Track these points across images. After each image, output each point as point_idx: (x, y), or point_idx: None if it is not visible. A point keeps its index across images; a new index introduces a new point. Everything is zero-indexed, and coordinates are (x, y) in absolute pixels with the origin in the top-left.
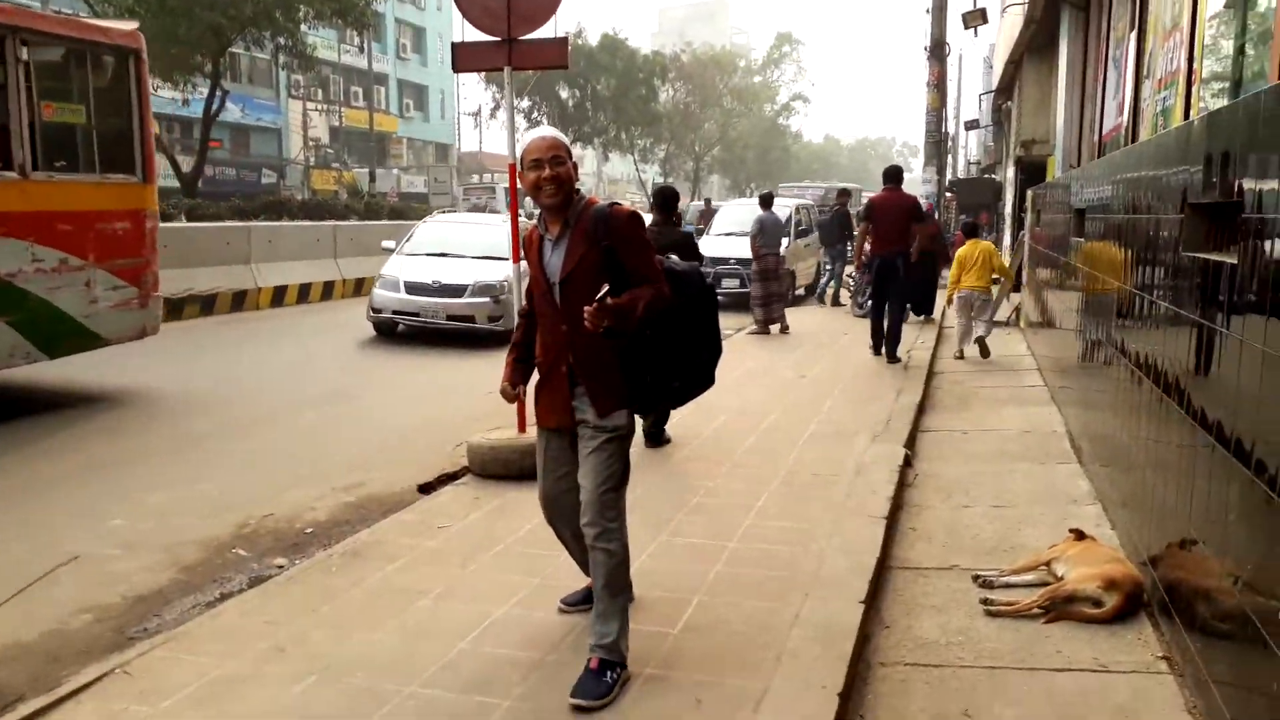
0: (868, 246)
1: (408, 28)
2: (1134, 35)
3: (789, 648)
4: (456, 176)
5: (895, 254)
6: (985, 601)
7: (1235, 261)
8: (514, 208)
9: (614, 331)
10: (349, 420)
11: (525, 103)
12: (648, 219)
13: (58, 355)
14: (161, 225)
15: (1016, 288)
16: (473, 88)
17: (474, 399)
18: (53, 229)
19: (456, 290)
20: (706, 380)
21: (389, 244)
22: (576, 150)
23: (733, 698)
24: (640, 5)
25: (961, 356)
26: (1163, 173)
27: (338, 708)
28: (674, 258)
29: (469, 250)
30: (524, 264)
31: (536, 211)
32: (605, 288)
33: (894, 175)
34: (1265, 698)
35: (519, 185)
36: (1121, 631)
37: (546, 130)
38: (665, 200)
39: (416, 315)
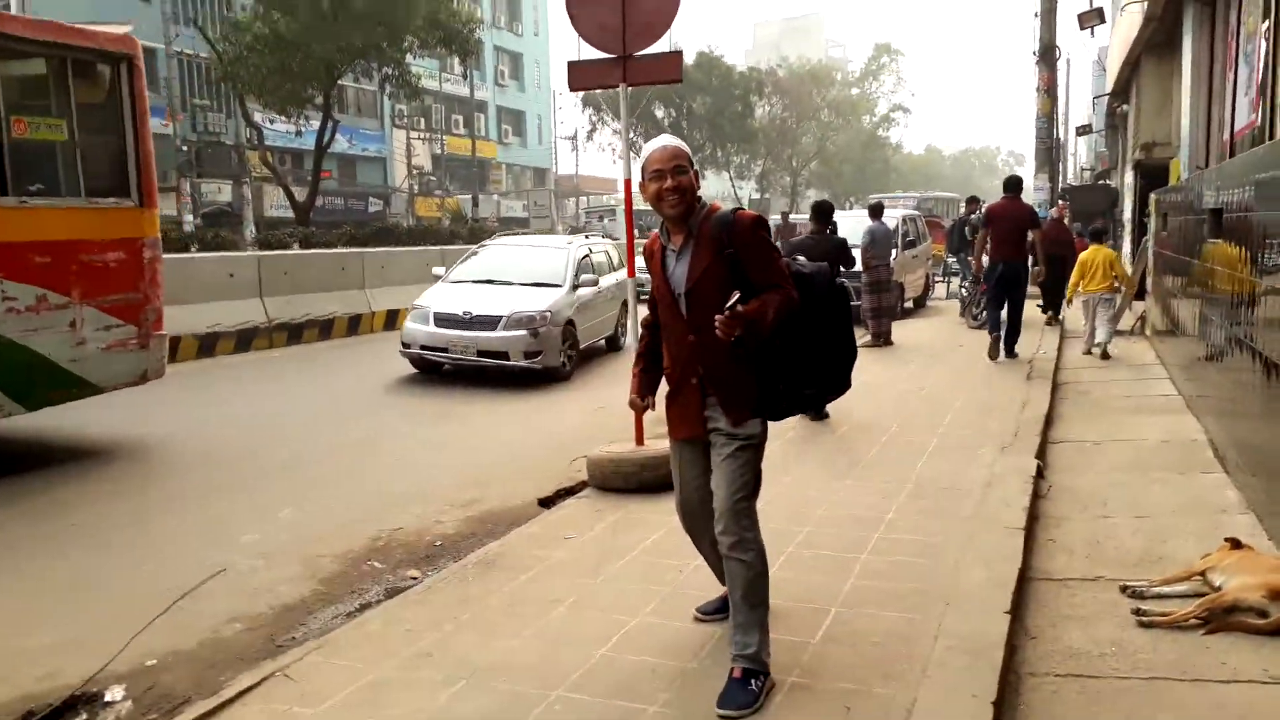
0: (985, 257)
1: (505, 54)
2: (1267, 28)
3: (935, 658)
4: (554, 200)
5: (1014, 260)
6: (1138, 612)
7: None
8: (629, 222)
9: (745, 340)
10: (458, 439)
11: (620, 124)
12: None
13: (36, 406)
14: (276, 253)
15: (1140, 296)
16: (570, 112)
17: (583, 415)
18: (26, 262)
19: (489, 323)
20: (842, 384)
21: (438, 270)
22: None
23: (882, 705)
24: (735, 23)
25: (1089, 353)
26: None
27: (487, 712)
28: (801, 259)
29: (521, 277)
30: (644, 276)
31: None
32: (736, 295)
33: (1014, 185)
34: None
35: (641, 197)
36: None
37: (668, 140)
38: (822, 211)
39: (445, 350)
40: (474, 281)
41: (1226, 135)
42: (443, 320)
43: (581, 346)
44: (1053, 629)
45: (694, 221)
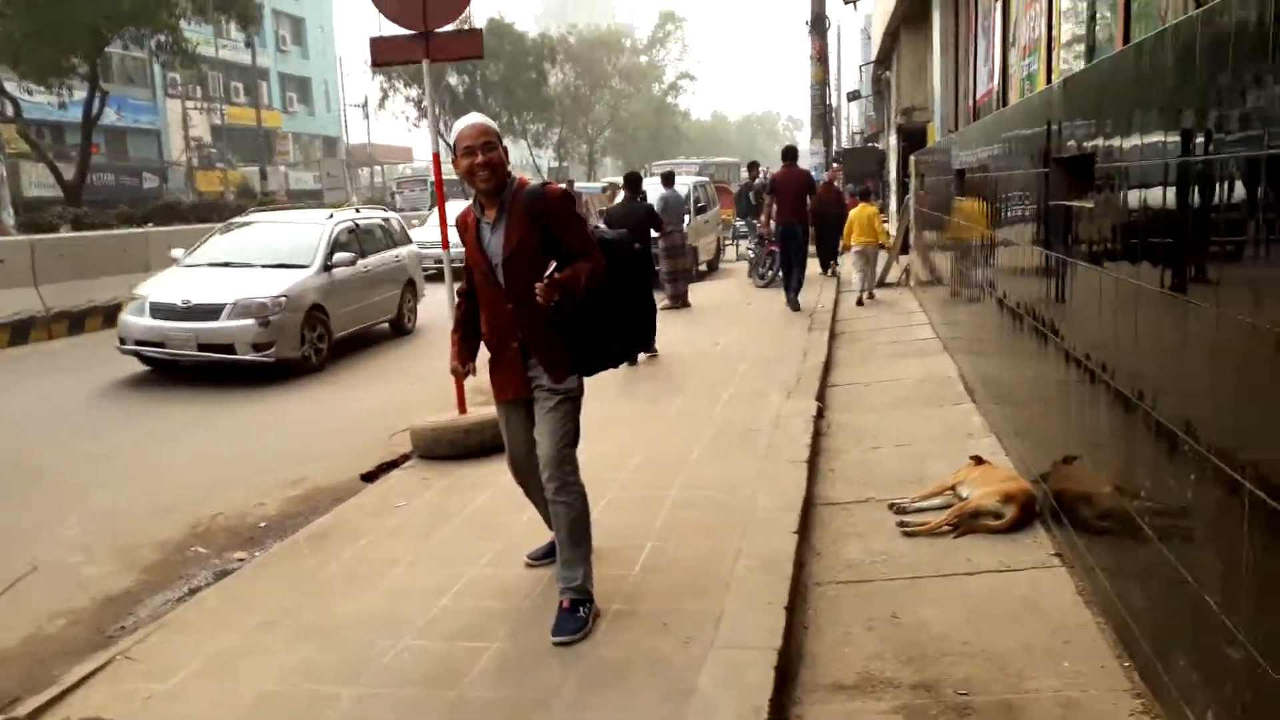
0: (772, 221)
1: (286, 19)
2: (1000, 4)
3: (736, 575)
4: (347, 170)
5: (796, 222)
6: (901, 525)
7: (1091, 206)
8: (440, 197)
9: (562, 304)
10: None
11: (414, 91)
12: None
13: None
14: (51, 236)
15: (905, 250)
16: (358, 78)
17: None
18: None
19: (210, 312)
20: (647, 341)
21: (177, 253)
22: None
23: (694, 618)
24: None
25: (861, 303)
26: (1028, 132)
27: (340, 663)
28: (602, 227)
29: (264, 258)
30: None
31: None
32: (553, 264)
33: (791, 154)
34: (1136, 577)
35: (454, 170)
36: (1020, 538)
37: (476, 118)
38: (633, 181)
39: (162, 345)
40: (210, 265)
41: (971, 101)
42: (159, 311)
43: (344, 333)
44: (833, 545)
45: (506, 195)
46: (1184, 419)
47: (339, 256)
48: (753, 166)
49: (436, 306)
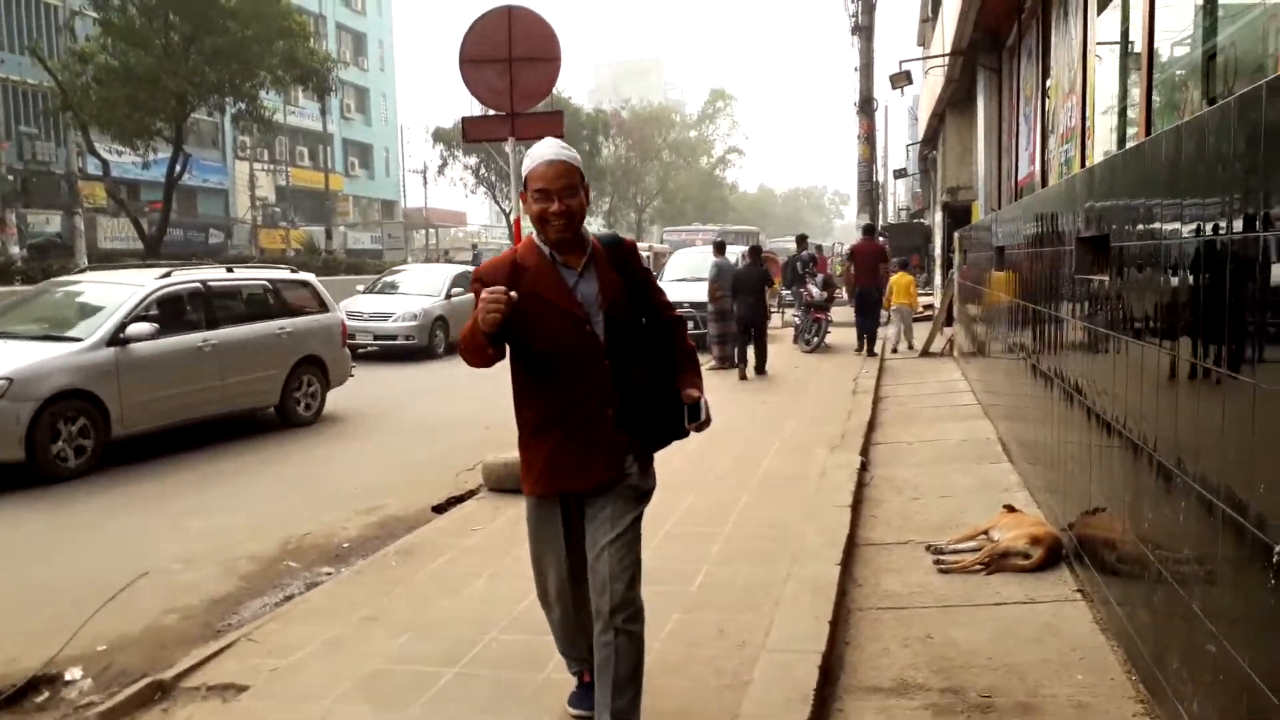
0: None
1: (351, 88)
2: (1040, 95)
3: (785, 596)
4: (405, 232)
5: (871, 286)
6: (937, 562)
7: (1107, 279)
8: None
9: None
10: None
11: (473, 159)
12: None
13: None
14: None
15: (949, 322)
16: (418, 145)
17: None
18: None
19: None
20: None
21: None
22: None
23: (747, 627)
24: (577, 63)
25: (895, 351)
26: (1058, 212)
27: (437, 650)
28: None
29: (48, 327)
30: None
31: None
32: (696, 394)
33: (870, 230)
34: (1147, 607)
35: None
36: (1046, 577)
37: (558, 151)
38: (755, 250)
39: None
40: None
41: (1014, 183)
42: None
43: (153, 426)
44: (874, 578)
45: (587, 241)
46: (1187, 471)
47: (135, 329)
48: (801, 240)
49: (365, 392)
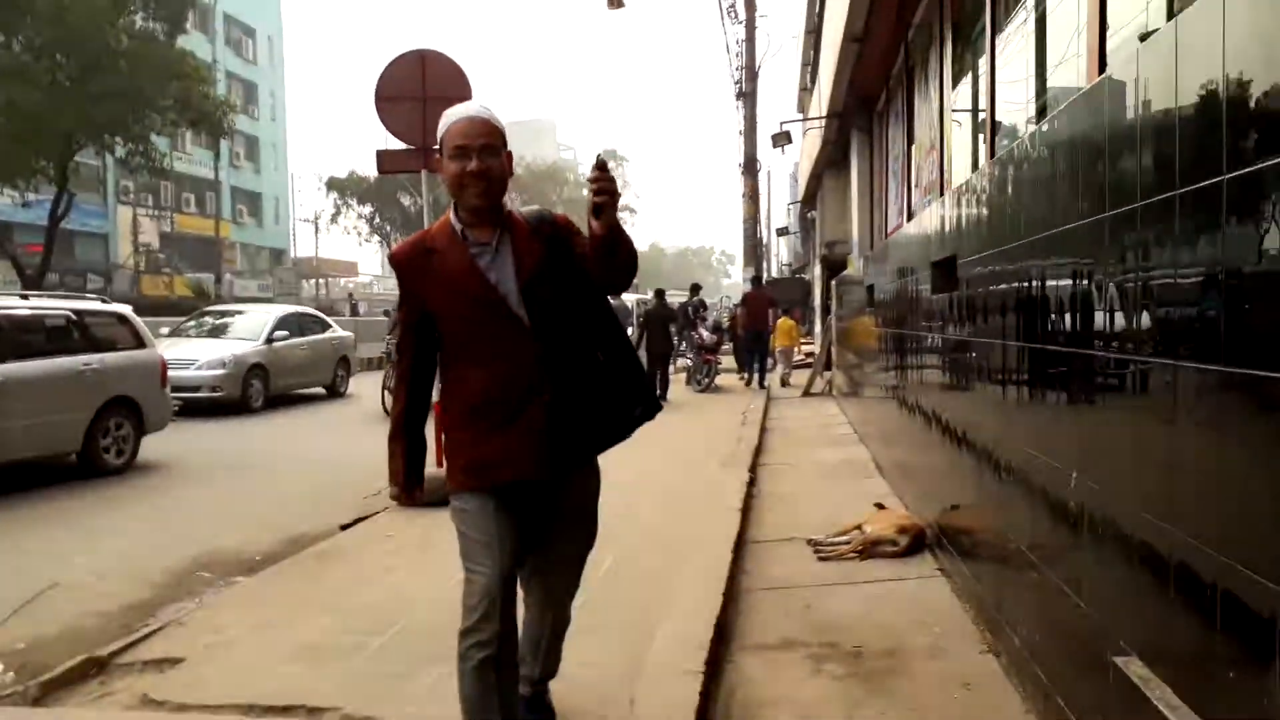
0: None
1: (241, 136)
2: (904, 153)
3: (684, 577)
4: (297, 279)
5: (760, 329)
6: (817, 552)
7: (953, 295)
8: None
9: (614, 246)
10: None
11: (367, 209)
12: None
13: None
14: None
15: (828, 366)
16: (309, 194)
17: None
18: None
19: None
20: (655, 401)
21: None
22: None
23: (651, 601)
24: None
25: (784, 384)
26: (917, 247)
27: (364, 625)
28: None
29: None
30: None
31: None
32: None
33: (757, 281)
34: (993, 578)
35: (440, 176)
36: (911, 561)
37: (476, 109)
38: (661, 292)
39: None
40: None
41: (884, 235)
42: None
43: None
44: (761, 568)
45: (502, 215)
46: (1011, 464)
47: None
48: (694, 288)
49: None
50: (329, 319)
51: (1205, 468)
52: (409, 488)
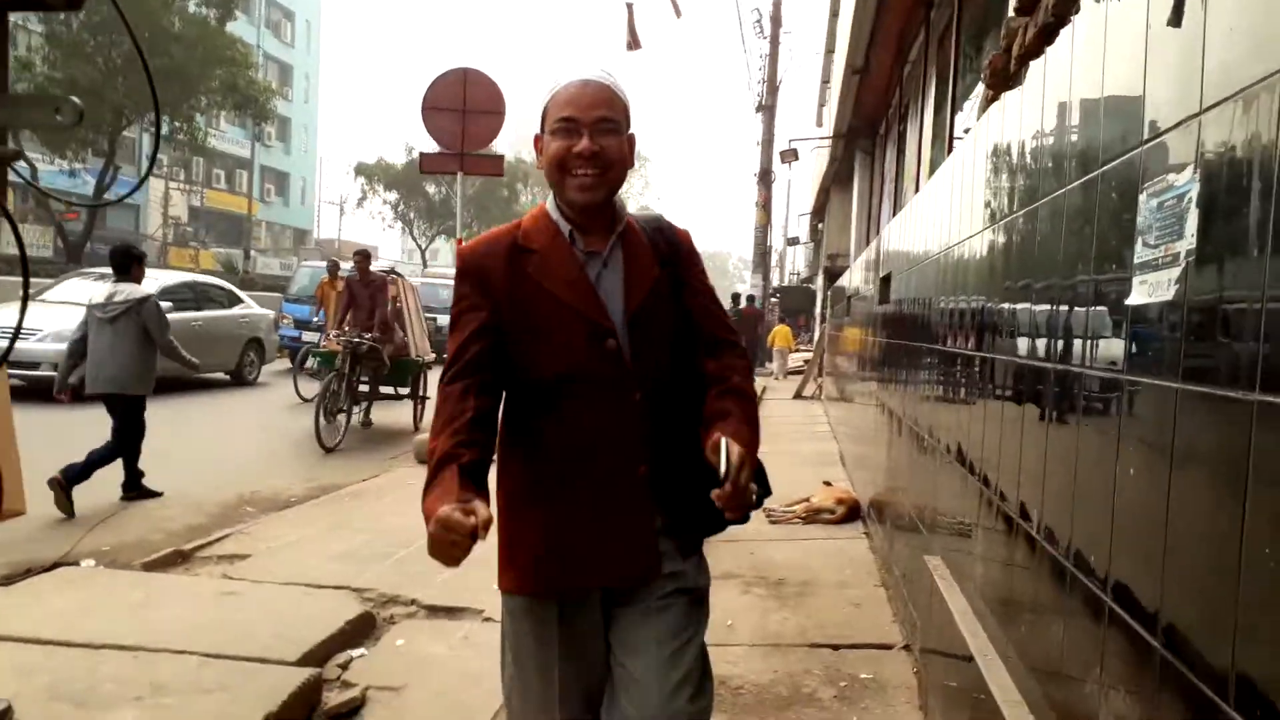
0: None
1: (274, 117)
2: (897, 176)
3: None
4: (321, 259)
5: (751, 340)
6: (769, 515)
7: (885, 303)
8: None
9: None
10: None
11: (393, 195)
12: None
13: None
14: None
15: (820, 373)
16: (336, 178)
17: None
18: None
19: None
20: (767, 490)
21: None
22: (438, 243)
23: None
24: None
25: (778, 378)
26: (873, 263)
27: (392, 539)
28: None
29: None
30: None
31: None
32: (721, 439)
33: (750, 300)
34: (890, 533)
35: (537, 161)
36: (846, 527)
37: (596, 74)
38: (734, 297)
39: None
40: None
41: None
42: None
43: None
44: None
45: (618, 216)
46: (931, 449)
47: None
48: (735, 298)
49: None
50: (244, 294)
51: (1004, 431)
52: (466, 503)
